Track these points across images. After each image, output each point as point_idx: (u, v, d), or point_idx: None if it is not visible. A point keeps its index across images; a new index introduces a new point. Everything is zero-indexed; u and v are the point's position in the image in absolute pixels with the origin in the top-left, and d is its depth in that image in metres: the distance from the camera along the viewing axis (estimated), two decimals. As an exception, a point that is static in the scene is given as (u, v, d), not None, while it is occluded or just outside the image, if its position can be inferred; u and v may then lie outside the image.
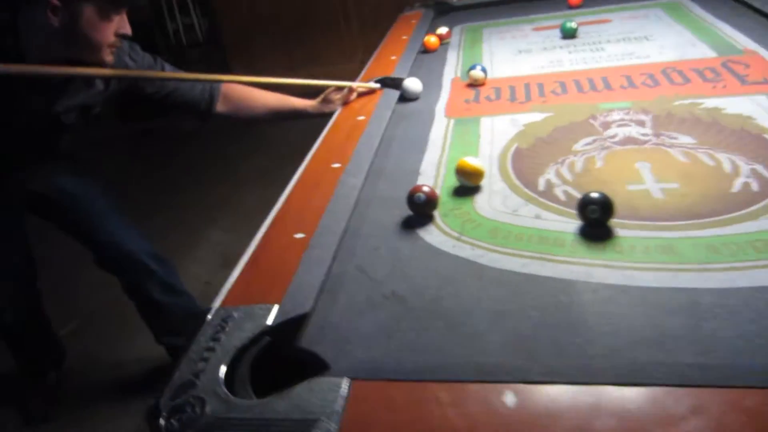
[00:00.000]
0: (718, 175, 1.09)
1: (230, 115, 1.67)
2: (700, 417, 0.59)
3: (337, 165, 1.27)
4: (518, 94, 1.62)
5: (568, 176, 1.16)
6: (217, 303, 0.86)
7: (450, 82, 1.80)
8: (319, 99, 1.72)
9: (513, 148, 1.31)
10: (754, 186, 1.03)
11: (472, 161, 1.17)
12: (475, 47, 2.12)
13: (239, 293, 0.89)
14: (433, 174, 1.25)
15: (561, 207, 1.06)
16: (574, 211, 1.00)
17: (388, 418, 0.64)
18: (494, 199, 1.12)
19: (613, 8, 2.32)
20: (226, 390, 0.68)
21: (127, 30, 1.30)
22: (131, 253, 1.69)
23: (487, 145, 1.35)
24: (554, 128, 1.37)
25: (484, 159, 1.25)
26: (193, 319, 1.85)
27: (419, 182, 1.20)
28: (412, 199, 1.07)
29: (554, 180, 1.15)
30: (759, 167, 1.08)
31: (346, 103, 1.68)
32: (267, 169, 3.49)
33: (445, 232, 1.03)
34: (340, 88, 1.70)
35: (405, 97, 1.68)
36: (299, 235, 1.01)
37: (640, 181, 1.10)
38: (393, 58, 1.98)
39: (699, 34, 1.88)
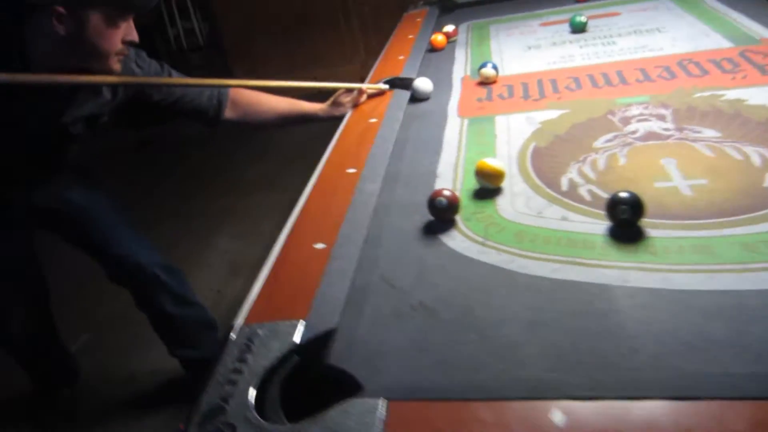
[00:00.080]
0: (747, 169, 1.05)
1: (239, 121, 1.63)
2: (762, 432, 0.55)
3: (352, 170, 1.23)
4: (531, 91, 1.58)
5: (591, 175, 1.12)
6: (239, 320, 0.82)
7: (460, 80, 1.76)
8: (328, 102, 1.68)
9: (531, 147, 1.28)
10: (787, 180, 1.00)
11: (492, 162, 1.14)
12: (483, 44, 2.08)
13: (261, 309, 0.85)
14: (450, 176, 1.21)
15: (587, 207, 1.02)
16: (601, 212, 0.97)
17: (429, 441, 0.61)
18: (517, 200, 1.09)
19: (621, 0, 2.28)
20: (257, 415, 0.65)
21: (135, 37, 1.27)
22: (143, 267, 1.65)
23: (504, 144, 1.31)
24: (572, 125, 1.34)
25: (502, 159, 1.22)
26: (207, 329, 1.84)
27: (437, 185, 1.17)
28: (433, 204, 1.04)
29: (577, 179, 1.12)
30: (789, 160, 1.05)
31: (356, 105, 1.64)
32: (273, 174, 3.46)
33: (469, 237, 1.00)
34: (349, 91, 1.67)
35: (416, 98, 1.65)
36: (319, 246, 0.98)
37: (667, 178, 1.07)
38: (401, 57, 1.95)
39: (712, 24, 1.84)
